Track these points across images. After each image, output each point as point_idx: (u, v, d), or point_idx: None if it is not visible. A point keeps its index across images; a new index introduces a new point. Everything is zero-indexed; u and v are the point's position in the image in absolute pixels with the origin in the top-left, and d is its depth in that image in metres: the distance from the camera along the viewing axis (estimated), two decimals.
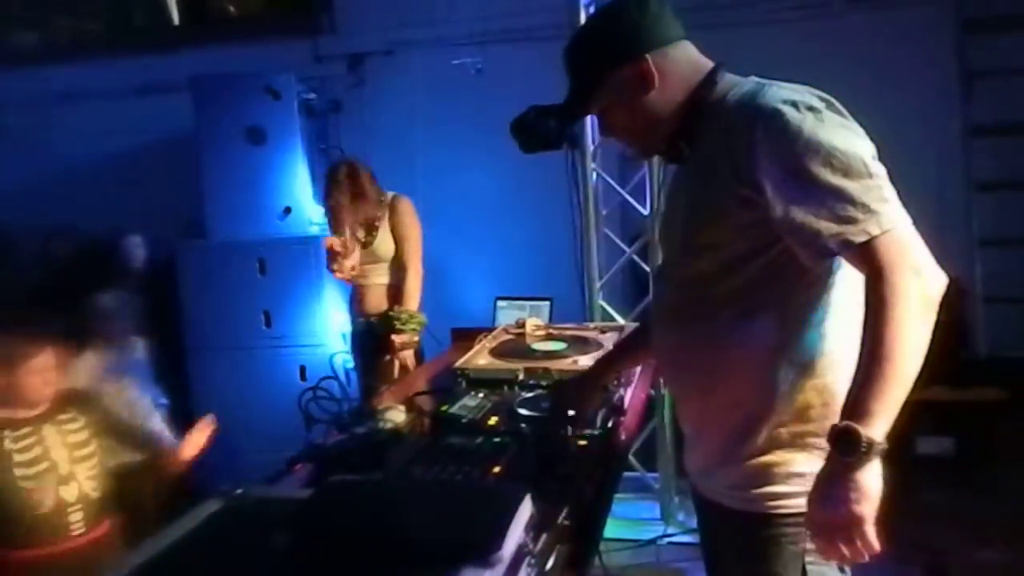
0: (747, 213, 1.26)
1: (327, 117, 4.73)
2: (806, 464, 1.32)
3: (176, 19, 5.57)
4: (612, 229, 3.82)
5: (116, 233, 4.07)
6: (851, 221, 1.17)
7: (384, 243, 3.58)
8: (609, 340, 2.40)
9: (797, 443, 1.34)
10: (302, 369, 4.22)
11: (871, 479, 1.13)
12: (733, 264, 1.31)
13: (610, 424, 1.83)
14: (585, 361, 2.16)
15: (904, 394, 1.14)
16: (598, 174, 3.67)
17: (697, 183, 1.37)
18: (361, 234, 3.56)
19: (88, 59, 5.17)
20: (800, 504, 1.26)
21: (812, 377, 1.32)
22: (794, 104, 1.23)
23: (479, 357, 2.29)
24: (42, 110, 5.10)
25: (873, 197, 1.18)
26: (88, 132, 4.95)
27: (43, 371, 2.19)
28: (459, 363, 2.22)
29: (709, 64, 1.41)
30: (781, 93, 1.26)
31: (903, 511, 1.51)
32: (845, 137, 1.21)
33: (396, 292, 3.59)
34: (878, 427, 1.12)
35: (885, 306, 1.13)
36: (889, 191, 1.21)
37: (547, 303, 3.02)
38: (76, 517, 2.19)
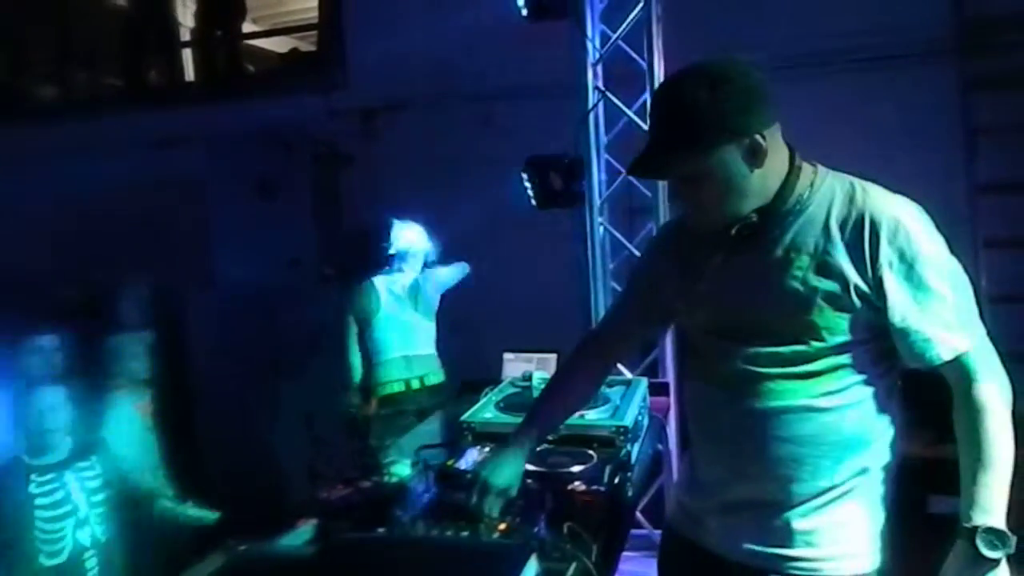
0: (852, 301, 1.32)
1: (338, 170, 4.81)
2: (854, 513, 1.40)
3: (192, 75, 5.71)
4: (619, 283, 3.82)
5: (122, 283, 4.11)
6: (958, 331, 1.31)
7: None
8: (616, 394, 2.39)
9: (848, 495, 1.40)
10: (309, 419, 4.19)
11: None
12: (827, 346, 1.35)
13: (617, 480, 1.81)
14: (592, 415, 2.15)
15: None
16: (605, 228, 3.69)
17: (785, 265, 1.37)
18: None
19: (106, 113, 5.30)
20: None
21: (877, 453, 1.40)
22: (911, 214, 1.33)
23: (485, 411, 2.28)
24: (60, 161, 5.19)
25: (972, 309, 1.33)
26: (104, 184, 5.02)
27: (59, 416, 2.29)
28: (465, 416, 2.21)
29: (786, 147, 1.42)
30: (891, 198, 1.35)
31: (915, 571, 1.48)
32: (948, 250, 1.34)
33: None
34: (1003, 524, 1.25)
35: (990, 412, 1.30)
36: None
37: (554, 356, 3.01)
38: (91, 564, 2.26)
